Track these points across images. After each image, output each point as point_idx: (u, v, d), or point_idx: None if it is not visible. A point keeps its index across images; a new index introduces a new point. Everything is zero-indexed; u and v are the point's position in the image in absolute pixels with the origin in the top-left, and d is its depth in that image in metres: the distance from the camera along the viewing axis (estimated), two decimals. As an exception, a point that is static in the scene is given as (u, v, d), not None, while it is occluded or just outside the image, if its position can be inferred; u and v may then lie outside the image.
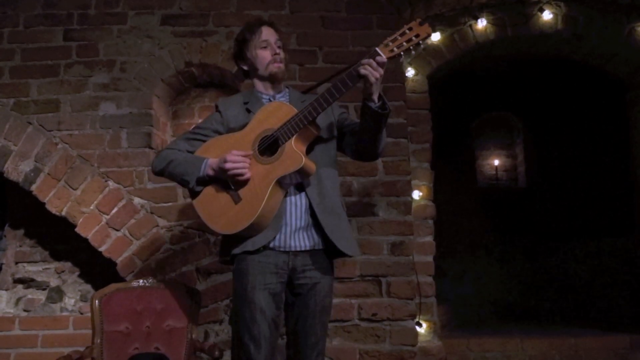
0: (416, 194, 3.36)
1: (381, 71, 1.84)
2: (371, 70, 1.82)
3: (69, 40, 3.25)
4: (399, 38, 1.85)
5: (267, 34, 2.11)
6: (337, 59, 3.21)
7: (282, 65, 2.10)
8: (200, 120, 3.40)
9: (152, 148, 3.16)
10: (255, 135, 1.95)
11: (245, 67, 2.18)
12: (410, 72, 3.48)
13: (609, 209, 5.39)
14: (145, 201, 3.12)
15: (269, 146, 1.92)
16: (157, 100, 3.25)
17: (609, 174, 5.54)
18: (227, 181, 1.93)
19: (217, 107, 2.14)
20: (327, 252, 2.01)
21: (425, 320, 3.28)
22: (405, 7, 3.30)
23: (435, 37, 3.51)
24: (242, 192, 1.91)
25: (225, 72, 3.26)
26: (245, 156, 1.90)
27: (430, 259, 3.32)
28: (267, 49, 2.09)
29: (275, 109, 1.97)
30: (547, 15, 3.48)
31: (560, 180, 6.10)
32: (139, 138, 3.16)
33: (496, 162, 6.95)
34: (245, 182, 1.91)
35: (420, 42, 1.85)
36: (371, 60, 1.83)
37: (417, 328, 3.15)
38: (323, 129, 2.02)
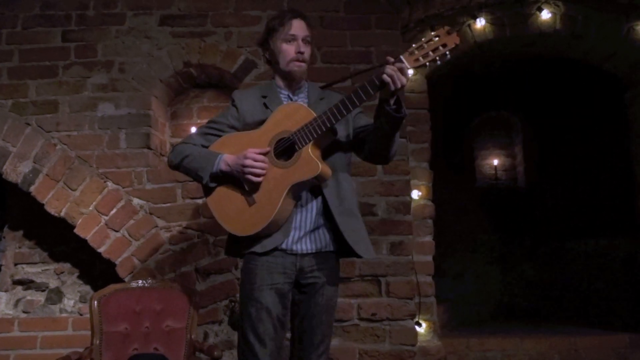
0: (415, 194, 3.36)
1: (404, 80, 1.76)
2: (394, 79, 1.75)
3: (68, 41, 3.24)
4: (425, 46, 1.77)
5: (297, 27, 2.00)
6: (335, 59, 3.21)
7: (303, 65, 2.01)
8: (199, 121, 3.42)
9: (150, 149, 3.16)
10: (271, 136, 1.91)
11: (267, 56, 2.09)
12: (409, 72, 3.47)
13: (609, 209, 5.38)
14: (144, 202, 3.12)
15: (285, 149, 1.89)
16: (155, 101, 3.25)
17: (608, 173, 5.54)
18: (240, 181, 1.91)
19: (233, 100, 2.08)
20: (336, 252, 2.00)
21: (425, 320, 3.28)
22: (403, 7, 3.30)
23: (434, 36, 3.51)
24: (256, 194, 1.89)
25: (224, 72, 3.25)
26: (264, 154, 1.88)
27: (429, 258, 3.32)
28: (292, 44, 2.00)
29: (293, 110, 1.91)
30: (545, 15, 3.49)
31: (560, 179, 6.09)
32: (138, 139, 3.16)
33: (495, 162, 6.94)
34: (259, 184, 1.89)
35: (448, 52, 1.75)
36: (395, 68, 1.75)
37: (417, 328, 3.15)
38: (340, 131, 1.97)
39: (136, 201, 3.12)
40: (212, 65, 3.22)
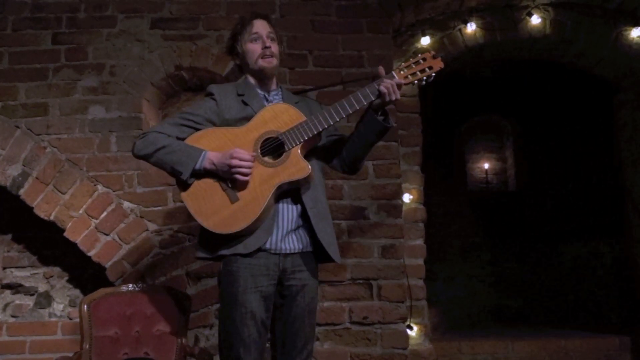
0: (407, 197, 3.37)
1: (398, 94, 1.90)
2: (390, 92, 1.89)
3: (58, 44, 3.22)
4: (413, 66, 1.93)
5: (259, 26, 2.06)
6: (327, 63, 3.22)
7: (273, 60, 2.05)
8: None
9: (141, 152, 3.14)
10: (257, 134, 1.91)
11: (238, 62, 2.15)
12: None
13: (598, 212, 5.43)
14: (135, 205, 3.10)
15: (272, 149, 1.90)
16: (146, 104, 3.24)
17: (598, 176, 5.59)
18: (221, 178, 1.88)
19: (211, 94, 2.04)
20: (314, 255, 2.01)
21: (416, 323, 3.28)
22: (395, 11, 3.31)
23: (425, 41, 3.53)
24: (240, 191, 1.86)
25: (215, 75, 3.25)
26: (250, 157, 1.87)
27: (421, 261, 3.32)
28: (257, 43, 2.05)
29: (282, 111, 1.94)
30: (535, 20, 3.52)
31: (550, 183, 6.14)
32: (129, 142, 3.13)
33: (486, 166, 6.99)
34: (243, 182, 1.86)
35: (433, 74, 1.92)
36: (393, 82, 1.89)
37: (408, 331, 3.15)
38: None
39: (127, 204, 3.10)
40: (204, 68, 3.22)
